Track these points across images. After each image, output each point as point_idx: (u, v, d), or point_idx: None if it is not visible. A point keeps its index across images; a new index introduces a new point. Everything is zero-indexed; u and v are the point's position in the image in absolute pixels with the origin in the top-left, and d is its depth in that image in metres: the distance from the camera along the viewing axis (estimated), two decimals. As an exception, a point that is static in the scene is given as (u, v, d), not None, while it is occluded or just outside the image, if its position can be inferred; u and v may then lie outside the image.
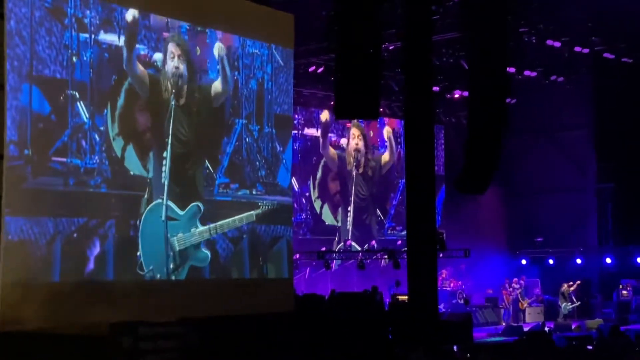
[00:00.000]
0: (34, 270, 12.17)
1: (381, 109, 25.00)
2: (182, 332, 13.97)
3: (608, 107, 25.42)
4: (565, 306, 24.90)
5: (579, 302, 25.29)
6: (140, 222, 13.73)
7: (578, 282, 25.46)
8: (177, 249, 14.37)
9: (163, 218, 14.07)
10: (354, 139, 25.40)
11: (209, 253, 14.88)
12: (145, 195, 13.86)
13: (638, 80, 23.70)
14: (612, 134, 25.54)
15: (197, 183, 14.80)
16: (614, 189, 26.95)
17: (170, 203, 14.21)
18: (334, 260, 23.78)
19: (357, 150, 25.34)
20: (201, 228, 14.77)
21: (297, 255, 21.32)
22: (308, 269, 24.03)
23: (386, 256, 23.66)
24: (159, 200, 14.04)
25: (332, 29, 16.29)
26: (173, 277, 14.34)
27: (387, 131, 26.28)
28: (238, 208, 15.44)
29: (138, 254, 13.74)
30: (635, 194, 25.86)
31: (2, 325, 11.56)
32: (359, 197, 25.43)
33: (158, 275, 14.06)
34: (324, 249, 23.16)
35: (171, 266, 14.26)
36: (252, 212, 15.61)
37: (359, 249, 24.92)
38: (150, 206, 13.92)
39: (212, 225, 14.93)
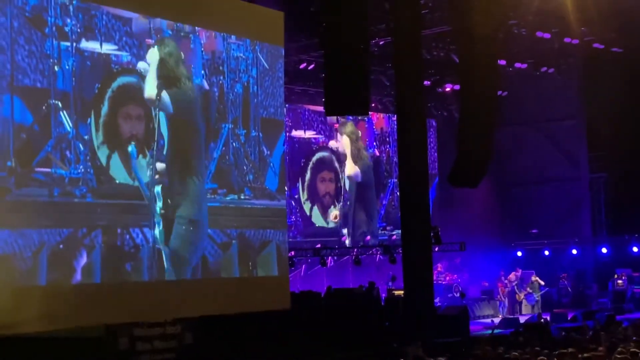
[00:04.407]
0: (20, 282, 12.05)
1: (372, 104, 25.05)
2: (177, 332, 14.00)
3: (599, 97, 25.44)
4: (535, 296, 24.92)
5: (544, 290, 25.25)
6: (132, 229, 13.66)
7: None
8: (168, 250, 14.30)
9: (150, 223, 13.97)
10: (348, 140, 25.37)
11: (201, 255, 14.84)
12: (133, 203, 13.76)
13: (628, 69, 23.71)
14: (604, 123, 25.56)
15: (184, 190, 14.69)
16: (606, 179, 27.01)
17: (158, 209, 14.15)
18: (330, 257, 23.74)
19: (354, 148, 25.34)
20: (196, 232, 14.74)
21: (292, 253, 21.29)
22: (304, 266, 24.01)
23: (381, 251, 23.67)
24: (146, 207, 13.94)
25: (321, 25, 16.25)
26: (174, 276, 14.29)
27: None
28: (226, 213, 15.37)
29: (138, 258, 13.66)
30: (627, 183, 25.88)
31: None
32: (349, 198, 25.36)
33: (160, 275, 14.01)
34: (319, 246, 23.13)
35: (162, 267, 14.21)
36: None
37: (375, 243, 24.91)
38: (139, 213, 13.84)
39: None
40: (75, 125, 12.97)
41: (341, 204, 25.13)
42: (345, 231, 25.12)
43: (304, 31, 20.56)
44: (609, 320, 17.54)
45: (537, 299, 24.69)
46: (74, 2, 13.02)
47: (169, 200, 14.31)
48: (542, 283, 25.01)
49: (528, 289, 25.02)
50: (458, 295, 24.18)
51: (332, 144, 25.15)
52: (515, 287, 25.23)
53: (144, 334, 13.68)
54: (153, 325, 13.84)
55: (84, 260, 12.89)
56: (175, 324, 14.08)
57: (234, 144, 15.68)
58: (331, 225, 24.85)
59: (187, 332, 14.26)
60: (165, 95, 14.40)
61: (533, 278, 25.12)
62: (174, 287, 14.31)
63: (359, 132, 25.66)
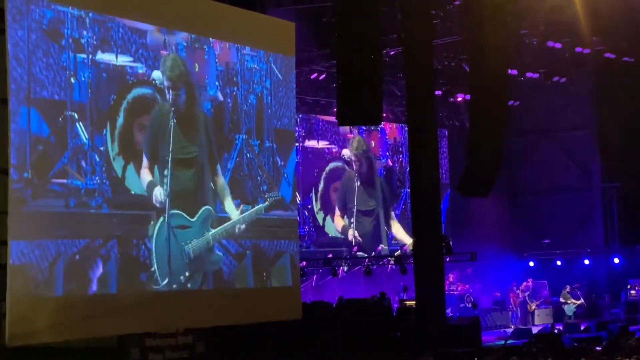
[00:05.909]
0: (36, 292, 12.07)
1: (384, 115, 25.01)
2: (189, 343, 14.03)
3: (611, 106, 25.39)
4: (569, 307, 24.85)
5: (582, 301, 25.24)
6: (147, 240, 13.69)
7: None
8: (192, 255, 14.34)
9: (166, 235, 14.01)
10: (356, 150, 25.31)
11: (221, 254, 14.84)
12: (149, 214, 13.79)
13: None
14: (616, 133, 25.51)
15: (199, 200, 14.72)
16: (618, 188, 26.93)
17: (177, 216, 14.18)
18: (342, 267, 23.72)
19: (358, 160, 25.26)
20: (213, 231, 14.74)
21: (304, 263, 21.28)
22: (315, 276, 24.02)
23: (392, 261, 23.65)
24: (162, 218, 13.98)
25: (333, 35, 16.32)
26: (189, 285, 14.25)
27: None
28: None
29: (152, 269, 13.71)
30: (640, 193, 25.81)
31: (11, 340, 11.57)
32: (363, 208, 25.32)
33: (174, 286, 14.01)
34: (330, 256, 23.13)
35: (187, 274, 14.23)
36: (260, 205, 15.57)
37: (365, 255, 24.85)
38: (155, 224, 13.87)
39: (220, 228, 14.91)
40: (91, 136, 13.02)
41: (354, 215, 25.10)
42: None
43: (315, 42, 20.62)
44: (622, 330, 17.47)
45: (573, 307, 24.71)
46: (90, 14, 13.09)
47: (183, 211, 14.35)
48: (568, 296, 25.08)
49: (561, 299, 25.03)
50: (470, 305, 24.14)
51: (344, 153, 25.15)
52: (527, 298, 25.20)
53: (155, 344, 13.71)
54: (165, 336, 13.87)
55: (99, 270, 12.91)
56: (187, 334, 14.11)
57: (248, 154, 15.71)
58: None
59: (199, 342, 14.28)
60: (180, 106, 14.45)
61: (568, 288, 25.12)
62: (190, 298, 14.32)
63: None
